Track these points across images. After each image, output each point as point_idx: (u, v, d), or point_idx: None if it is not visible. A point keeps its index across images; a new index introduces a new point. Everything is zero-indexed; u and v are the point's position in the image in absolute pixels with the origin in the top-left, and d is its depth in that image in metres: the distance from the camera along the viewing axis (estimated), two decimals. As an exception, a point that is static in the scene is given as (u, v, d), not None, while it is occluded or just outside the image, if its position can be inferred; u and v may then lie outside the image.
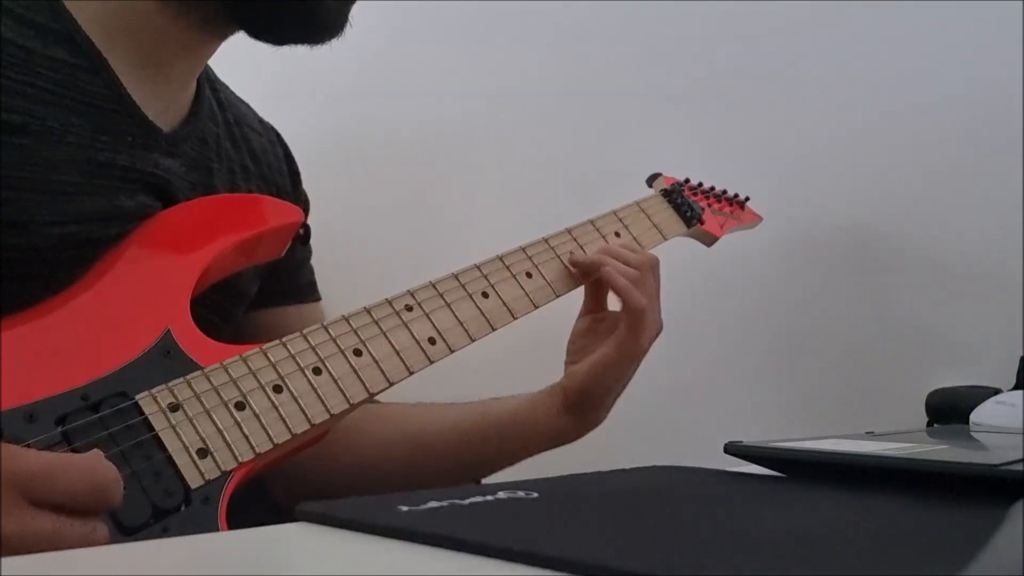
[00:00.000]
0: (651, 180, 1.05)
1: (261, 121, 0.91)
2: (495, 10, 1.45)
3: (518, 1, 1.43)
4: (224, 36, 0.77)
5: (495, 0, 1.45)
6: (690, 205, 1.01)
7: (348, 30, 0.77)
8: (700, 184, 1.06)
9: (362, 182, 1.47)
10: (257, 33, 0.76)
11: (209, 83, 0.85)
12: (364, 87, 1.54)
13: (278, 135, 0.92)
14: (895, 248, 1.23)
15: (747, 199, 1.12)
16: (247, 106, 0.91)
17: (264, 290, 0.88)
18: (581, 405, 0.85)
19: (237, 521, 0.61)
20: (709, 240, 1.04)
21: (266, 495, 0.87)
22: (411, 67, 1.52)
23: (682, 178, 1.05)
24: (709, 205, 1.05)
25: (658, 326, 0.85)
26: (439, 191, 1.49)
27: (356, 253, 1.56)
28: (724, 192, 1.09)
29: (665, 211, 0.98)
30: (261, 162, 0.88)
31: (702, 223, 1.02)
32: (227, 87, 0.89)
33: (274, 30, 0.76)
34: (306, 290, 0.93)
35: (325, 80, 1.35)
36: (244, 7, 0.74)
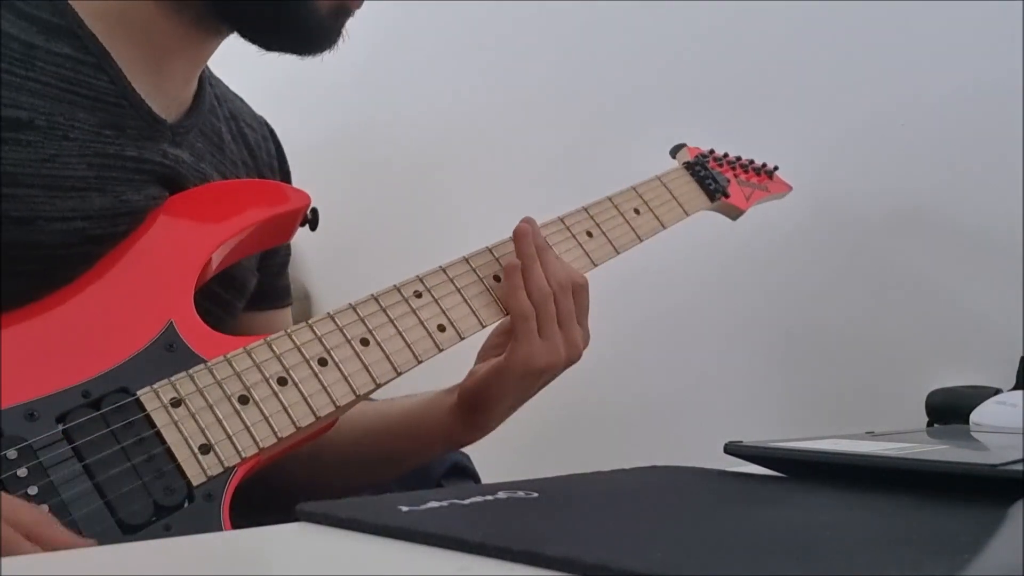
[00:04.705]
0: (675, 151, 1.01)
1: (254, 115, 0.91)
2: (497, 9, 1.45)
3: (520, 1, 1.43)
4: (221, 34, 0.78)
5: (496, 0, 1.45)
6: (714, 177, 0.97)
7: (342, 42, 0.76)
8: (726, 154, 1.02)
9: (360, 181, 1.47)
10: (246, 34, 0.76)
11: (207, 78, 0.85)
12: (364, 85, 1.54)
13: (270, 129, 0.92)
14: (894, 248, 1.23)
15: (776, 168, 1.07)
16: (241, 100, 0.91)
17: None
18: (471, 407, 0.80)
19: (244, 516, 0.60)
20: (734, 213, 1.00)
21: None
22: (411, 65, 1.52)
23: (707, 148, 1.01)
24: (735, 176, 1.01)
25: (553, 354, 0.76)
26: (439, 189, 1.49)
27: (354, 252, 1.56)
28: (751, 162, 1.05)
29: (687, 184, 0.95)
30: (257, 157, 0.88)
31: (727, 196, 0.98)
32: (221, 82, 0.89)
33: (263, 34, 0.76)
34: (283, 294, 0.92)
35: (326, 77, 1.35)
36: (233, 8, 0.74)
